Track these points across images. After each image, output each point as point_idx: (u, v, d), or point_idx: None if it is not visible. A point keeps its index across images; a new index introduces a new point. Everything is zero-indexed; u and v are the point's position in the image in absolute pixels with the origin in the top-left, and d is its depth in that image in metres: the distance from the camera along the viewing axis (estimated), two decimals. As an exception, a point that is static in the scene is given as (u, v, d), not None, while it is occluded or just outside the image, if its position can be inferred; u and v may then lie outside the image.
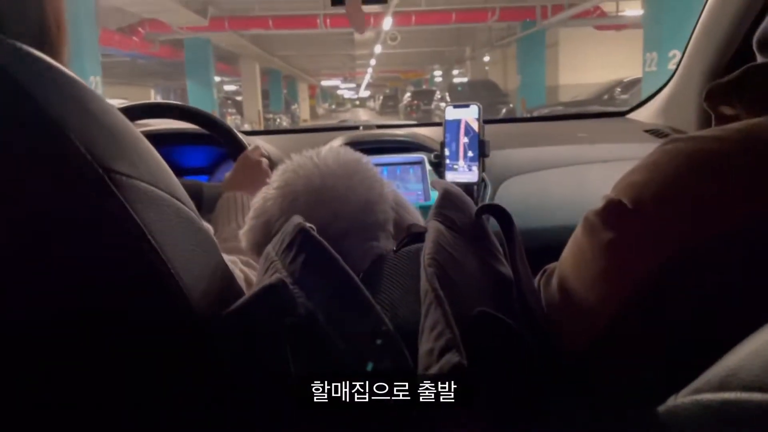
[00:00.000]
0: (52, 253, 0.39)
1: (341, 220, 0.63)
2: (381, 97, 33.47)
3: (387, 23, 12.74)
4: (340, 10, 1.20)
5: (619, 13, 12.84)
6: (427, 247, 0.51)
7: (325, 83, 37.11)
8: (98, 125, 0.42)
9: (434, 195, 1.39)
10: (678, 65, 1.58)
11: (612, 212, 0.50)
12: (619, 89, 10.72)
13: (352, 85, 41.71)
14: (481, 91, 14.67)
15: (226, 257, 0.60)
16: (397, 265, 0.56)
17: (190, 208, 0.48)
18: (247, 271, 0.69)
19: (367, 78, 32.55)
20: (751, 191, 0.44)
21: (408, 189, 1.38)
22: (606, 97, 10.67)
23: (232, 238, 0.80)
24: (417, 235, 0.61)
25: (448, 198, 0.66)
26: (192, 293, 0.45)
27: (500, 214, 0.62)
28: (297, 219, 0.56)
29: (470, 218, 0.64)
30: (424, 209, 1.20)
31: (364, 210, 0.65)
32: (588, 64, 15.51)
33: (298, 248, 0.53)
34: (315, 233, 0.54)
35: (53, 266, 0.40)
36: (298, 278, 0.50)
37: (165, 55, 16.37)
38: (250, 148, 1.10)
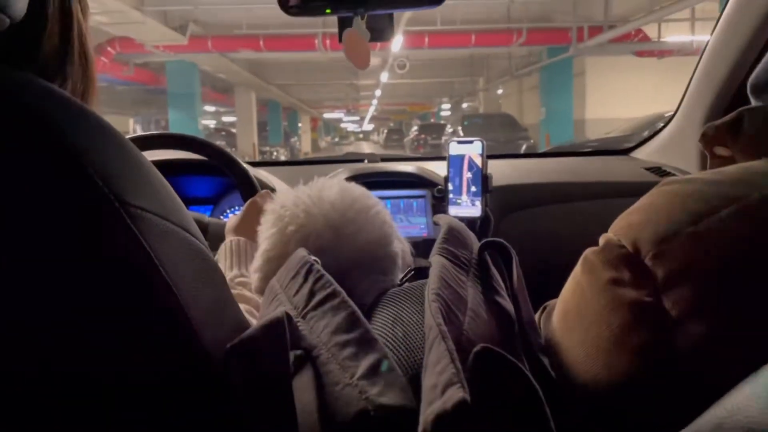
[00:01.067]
0: (62, 283, 0.40)
1: (350, 255, 0.63)
2: (385, 131, 32.40)
3: (396, 45, 10.59)
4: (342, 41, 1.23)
5: (662, 39, 11.43)
6: (432, 282, 0.51)
7: (327, 116, 35.79)
8: (116, 158, 0.43)
9: (438, 229, 1.40)
10: (679, 105, 1.60)
11: (610, 252, 0.51)
12: (661, 124, 9.61)
13: (356, 118, 40.91)
14: (497, 126, 13.53)
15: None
16: (401, 300, 0.56)
17: (200, 242, 0.49)
18: (252, 321, 0.69)
19: (372, 110, 32.03)
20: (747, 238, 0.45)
21: (411, 222, 1.39)
22: (646, 133, 9.32)
23: (236, 285, 0.79)
24: (421, 270, 0.61)
25: (451, 233, 0.66)
26: (200, 326, 0.45)
27: (502, 249, 0.63)
28: (302, 252, 0.57)
29: (473, 253, 0.64)
30: (427, 242, 1.20)
31: (377, 245, 0.66)
32: (619, 96, 13.65)
33: (302, 281, 0.54)
34: (319, 266, 0.54)
35: (63, 295, 0.40)
36: (302, 311, 0.50)
37: (143, 80, 14.60)
38: (261, 193, 1.09)
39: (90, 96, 0.53)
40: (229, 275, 0.80)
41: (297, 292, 0.53)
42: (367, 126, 48.01)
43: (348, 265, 0.63)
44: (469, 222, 1.28)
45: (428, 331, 0.46)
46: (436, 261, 0.56)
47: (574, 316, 0.54)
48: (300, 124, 31.67)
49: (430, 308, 0.47)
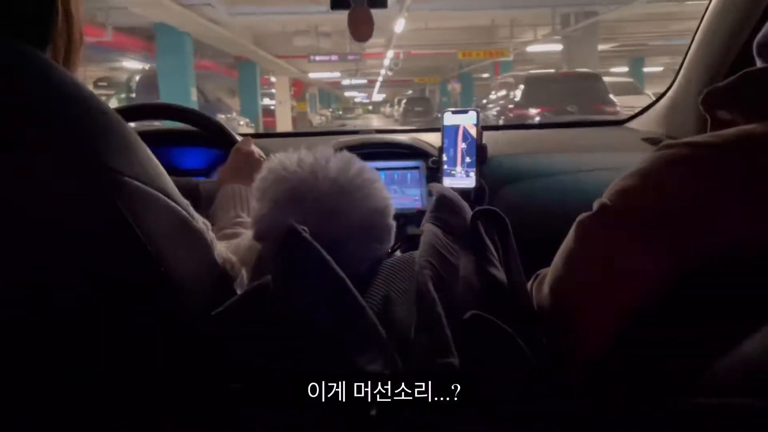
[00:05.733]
0: (44, 240, 0.39)
1: (345, 225, 0.62)
2: (402, 102, 23.62)
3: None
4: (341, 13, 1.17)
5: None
6: (422, 249, 0.50)
7: (316, 75, 21.85)
8: (96, 123, 0.41)
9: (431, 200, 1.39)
10: (677, 73, 1.57)
11: (603, 217, 0.50)
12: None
13: (362, 81, 24.90)
14: (575, 90, 8.66)
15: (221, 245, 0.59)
16: (392, 268, 0.55)
17: (183, 208, 0.48)
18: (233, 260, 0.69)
19: (387, 65, 18.36)
20: (744, 198, 0.44)
21: (405, 194, 1.37)
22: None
23: (230, 225, 0.81)
24: (411, 238, 0.60)
25: (444, 202, 0.65)
26: (183, 293, 0.44)
27: (496, 218, 0.62)
28: (289, 220, 0.55)
29: (466, 222, 0.63)
30: (421, 214, 1.19)
31: (380, 215, 0.64)
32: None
33: (289, 250, 0.52)
34: (308, 236, 0.53)
35: (39, 269, 0.39)
36: (288, 280, 0.49)
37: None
38: (241, 140, 1.11)
39: (73, 60, 0.51)
40: (225, 218, 0.83)
41: (284, 260, 0.52)
42: (377, 96, 37.28)
43: (347, 232, 0.62)
44: (464, 193, 1.27)
45: (418, 298, 0.46)
46: (427, 229, 0.55)
47: (567, 283, 0.53)
48: (274, 90, 20.53)
49: (420, 275, 0.46)
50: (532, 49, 15.94)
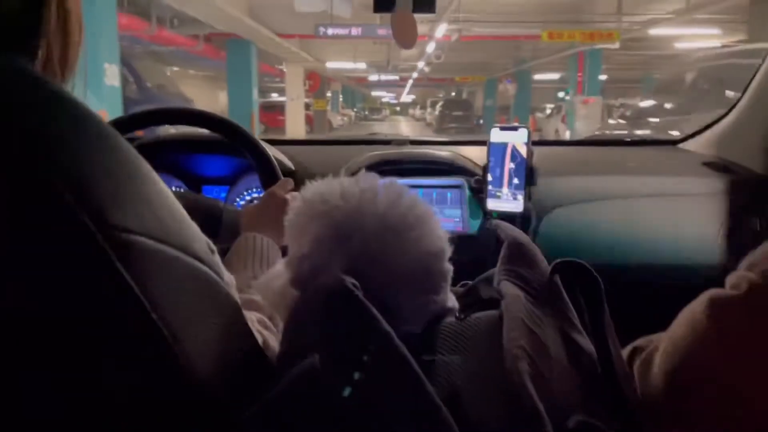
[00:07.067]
0: (26, 339, 0.29)
1: (396, 272, 0.51)
2: (436, 104, 20.37)
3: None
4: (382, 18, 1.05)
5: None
6: (510, 325, 0.40)
7: (333, 65, 17.97)
8: (94, 161, 0.31)
9: (474, 224, 1.28)
10: (742, 94, 1.45)
11: (754, 299, 0.39)
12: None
13: (393, 77, 22.17)
14: None
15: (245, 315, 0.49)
16: (464, 340, 0.45)
17: (210, 267, 0.38)
18: (265, 334, 0.57)
19: (429, 54, 13.47)
20: None
21: (445, 215, 1.27)
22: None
23: (247, 288, 0.68)
24: (487, 301, 0.50)
25: (517, 249, 0.55)
26: (209, 381, 0.34)
27: (582, 272, 0.51)
28: (337, 273, 0.45)
29: (543, 276, 0.53)
30: (462, 239, 1.07)
31: (435, 258, 0.54)
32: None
33: (337, 314, 0.42)
34: (360, 294, 0.43)
35: (31, 352, 0.30)
36: (336, 355, 0.39)
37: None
38: (281, 182, 0.96)
39: (70, 62, 0.42)
40: (241, 276, 0.69)
41: (330, 328, 0.42)
42: (406, 98, 32.94)
43: (397, 279, 0.52)
44: (508, 218, 1.16)
45: (513, 397, 0.36)
46: (510, 293, 0.45)
47: (695, 379, 0.42)
48: (283, 83, 16.91)
49: (514, 371, 0.36)
50: (660, 32, 11.19)
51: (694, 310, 0.44)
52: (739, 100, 1.47)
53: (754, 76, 1.39)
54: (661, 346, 0.47)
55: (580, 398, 0.42)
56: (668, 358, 0.45)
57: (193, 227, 0.39)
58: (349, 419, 0.35)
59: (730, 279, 0.42)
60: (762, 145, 1.36)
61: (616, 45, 11.18)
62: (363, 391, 0.36)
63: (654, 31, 11.22)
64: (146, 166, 0.36)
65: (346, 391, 0.36)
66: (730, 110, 1.50)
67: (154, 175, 0.37)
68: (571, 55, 13.80)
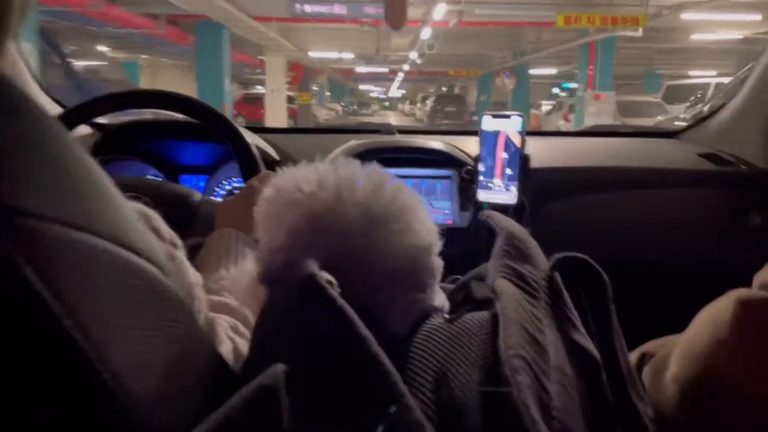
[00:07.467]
0: None
1: (389, 262, 0.46)
2: (427, 99, 19.34)
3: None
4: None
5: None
6: (510, 333, 0.35)
7: (319, 54, 17.07)
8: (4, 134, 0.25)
9: (465, 216, 1.23)
10: (740, 86, 1.41)
11: None
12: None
13: (382, 70, 21.20)
14: None
15: (214, 318, 0.43)
16: (454, 345, 0.39)
17: (154, 262, 0.32)
18: (237, 341, 0.51)
19: (424, 41, 12.19)
20: None
21: (433, 207, 1.22)
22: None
23: (219, 290, 0.61)
24: (480, 301, 0.44)
25: (513, 243, 0.49)
26: (148, 408, 0.28)
27: (585, 268, 0.46)
28: (311, 268, 0.39)
29: (541, 271, 0.47)
30: (451, 232, 1.01)
31: (424, 251, 0.48)
32: None
33: (307, 314, 0.37)
34: (336, 293, 0.37)
35: None
36: (303, 368, 0.34)
37: None
38: (261, 175, 0.88)
39: (4, 24, 0.35)
40: (213, 276, 0.62)
41: (298, 332, 0.36)
42: (396, 92, 31.67)
43: (380, 276, 0.46)
44: (501, 210, 1.11)
45: (514, 423, 0.30)
46: (507, 292, 0.39)
47: (717, 389, 0.37)
48: (264, 75, 15.40)
49: (515, 386, 0.30)
50: (692, 16, 10.02)
51: (717, 312, 0.39)
52: (735, 92, 1.42)
53: (753, 67, 1.35)
54: (675, 352, 0.42)
55: (585, 410, 0.36)
56: (685, 365, 0.40)
57: (131, 215, 0.33)
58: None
59: (761, 278, 0.37)
60: (760, 138, 1.31)
61: (639, 32, 10.00)
62: (321, 401, 0.31)
63: (686, 16, 10.10)
64: (68, 139, 0.30)
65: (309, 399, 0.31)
66: (727, 102, 1.46)
67: (78, 150, 0.30)
68: (581, 46, 12.48)
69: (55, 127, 0.29)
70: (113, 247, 0.28)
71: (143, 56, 17.49)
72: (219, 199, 1.31)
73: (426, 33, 11.62)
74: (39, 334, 0.24)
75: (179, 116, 1.08)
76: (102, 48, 14.87)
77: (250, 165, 1.00)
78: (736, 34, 10.95)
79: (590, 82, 12.62)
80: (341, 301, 0.36)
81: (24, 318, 0.24)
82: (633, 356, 0.49)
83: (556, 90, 22.75)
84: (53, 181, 0.26)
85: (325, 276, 0.40)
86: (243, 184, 1.03)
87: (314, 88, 22.17)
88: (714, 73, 14.54)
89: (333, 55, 16.89)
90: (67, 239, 0.25)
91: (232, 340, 0.50)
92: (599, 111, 11.27)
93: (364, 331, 0.35)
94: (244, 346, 0.51)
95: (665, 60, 16.34)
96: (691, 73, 16.72)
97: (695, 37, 12.39)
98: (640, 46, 13.62)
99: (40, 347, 0.24)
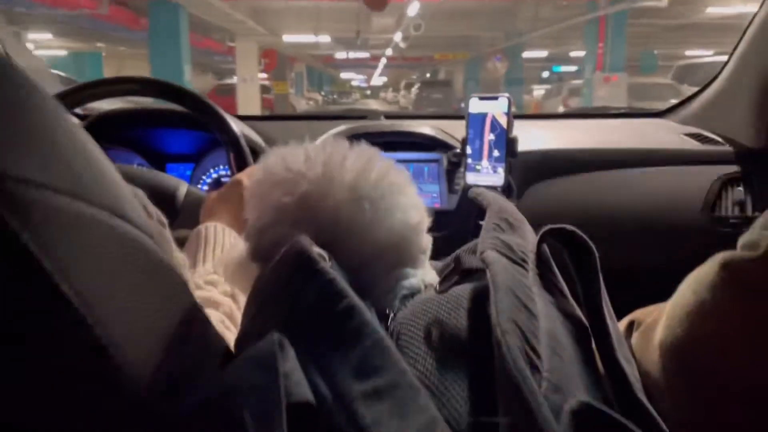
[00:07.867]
0: None
1: (369, 245, 0.46)
2: (411, 87, 18.61)
3: None
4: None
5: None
6: (499, 299, 0.35)
7: (292, 38, 15.73)
8: None
9: (453, 199, 1.23)
10: (722, 67, 1.42)
11: None
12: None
13: (363, 55, 20.16)
14: None
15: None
16: (444, 314, 0.39)
17: (146, 232, 0.31)
18: (227, 335, 0.51)
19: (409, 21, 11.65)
20: None
21: (422, 191, 1.22)
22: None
23: (204, 284, 0.60)
24: (470, 272, 0.44)
25: (502, 215, 0.49)
26: (142, 373, 0.28)
27: (573, 239, 0.46)
28: (303, 242, 0.39)
29: (525, 241, 0.48)
30: (438, 216, 1.02)
31: (413, 230, 0.48)
32: None
33: (300, 289, 0.37)
34: (328, 266, 0.37)
35: None
36: (300, 339, 0.34)
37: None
38: (248, 169, 0.87)
39: None
40: (198, 271, 0.62)
41: (292, 306, 0.36)
42: (377, 80, 30.61)
43: (369, 253, 0.46)
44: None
45: (504, 383, 0.31)
46: (495, 262, 0.39)
47: (702, 353, 0.37)
48: (237, 60, 13.69)
49: (507, 351, 0.31)
50: None
51: (702, 275, 0.39)
52: (719, 73, 1.43)
53: (737, 45, 1.36)
54: (663, 317, 0.42)
55: (577, 376, 0.37)
56: (670, 329, 0.41)
57: (125, 188, 0.32)
58: (304, 410, 0.30)
59: (744, 239, 0.37)
60: (744, 116, 1.32)
61: (664, 2, 8.89)
62: (324, 375, 0.31)
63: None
64: (59, 109, 0.29)
65: (309, 375, 0.31)
66: (713, 80, 1.47)
67: (69, 121, 0.30)
68: (589, 22, 10.84)
69: (36, 88, 0.28)
70: (108, 217, 0.28)
71: (98, 44, 15.57)
72: (206, 188, 1.30)
73: (414, 8, 10.73)
74: (38, 300, 0.24)
75: (164, 103, 1.08)
76: (38, 36, 12.67)
77: (238, 155, 0.99)
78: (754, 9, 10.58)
79: (599, 62, 11.20)
80: (333, 273, 0.37)
81: (21, 282, 0.24)
82: (621, 324, 0.50)
83: (546, 74, 22.12)
84: (39, 144, 0.26)
85: (317, 250, 0.40)
86: (229, 172, 1.03)
87: (293, 76, 20.86)
88: (711, 52, 13.53)
89: (309, 38, 15.42)
90: (57, 205, 0.25)
91: (222, 334, 0.49)
92: (610, 95, 10.00)
93: (356, 300, 0.36)
94: (230, 341, 0.51)
95: (665, 39, 14.96)
96: (687, 53, 15.88)
97: (711, 10, 11.33)
98: (644, 23, 12.30)
99: (39, 313, 0.24)
